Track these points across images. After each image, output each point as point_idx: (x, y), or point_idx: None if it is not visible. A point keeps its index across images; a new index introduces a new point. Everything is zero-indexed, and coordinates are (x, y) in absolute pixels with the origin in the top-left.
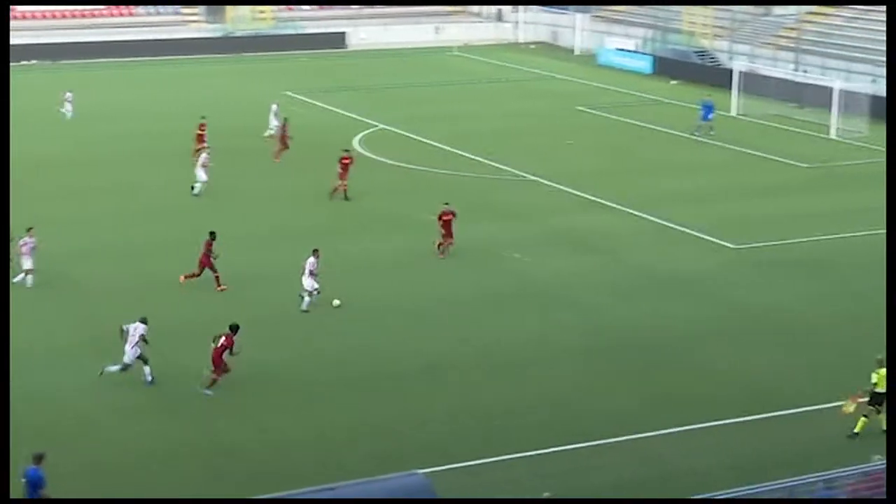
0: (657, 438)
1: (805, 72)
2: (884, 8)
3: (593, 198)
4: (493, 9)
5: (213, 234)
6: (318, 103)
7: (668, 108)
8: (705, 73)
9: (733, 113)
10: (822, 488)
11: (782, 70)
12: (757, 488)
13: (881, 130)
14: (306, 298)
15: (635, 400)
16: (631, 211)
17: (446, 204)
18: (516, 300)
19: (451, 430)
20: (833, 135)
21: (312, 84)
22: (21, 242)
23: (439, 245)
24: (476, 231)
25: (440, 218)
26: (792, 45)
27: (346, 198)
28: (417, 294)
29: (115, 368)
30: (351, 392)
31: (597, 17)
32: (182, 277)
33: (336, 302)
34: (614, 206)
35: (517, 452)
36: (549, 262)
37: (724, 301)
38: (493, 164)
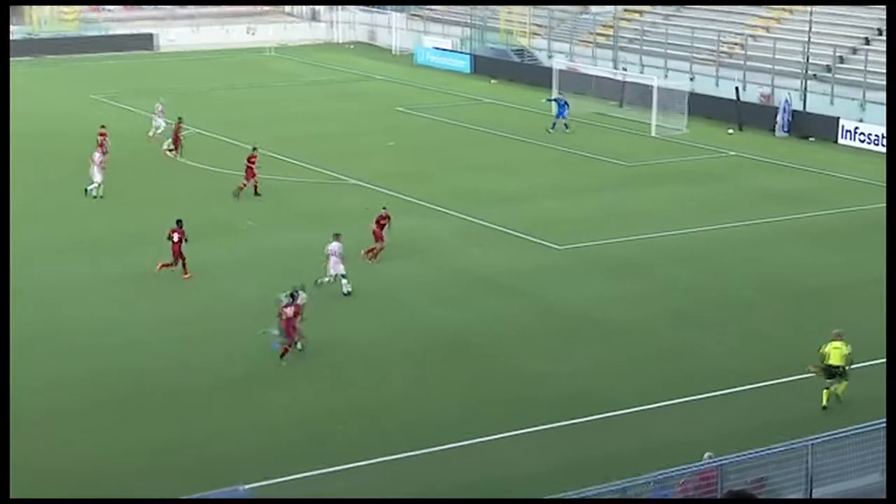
0: (481, 445)
1: (624, 70)
2: (699, 7)
3: (415, 200)
4: (306, 8)
5: (179, 221)
6: (126, 107)
7: (489, 108)
8: (525, 72)
9: (554, 112)
10: (655, 488)
11: (601, 68)
12: (590, 490)
13: (700, 127)
14: (343, 281)
15: (457, 406)
16: (454, 213)
17: (384, 208)
18: (337, 305)
19: (274, 441)
20: (653, 133)
21: (120, 87)
22: None
23: (369, 251)
24: (297, 237)
25: (377, 222)
26: (609, 42)
27: (257, 192)
28: (234, 301)
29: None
30: (166, 408)
31: (414, 15)
32: (158, 265)
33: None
34: (437, 208)
35: (337, 465)
36: (371, 266)
37: (547, 303)
38: (312, 167)
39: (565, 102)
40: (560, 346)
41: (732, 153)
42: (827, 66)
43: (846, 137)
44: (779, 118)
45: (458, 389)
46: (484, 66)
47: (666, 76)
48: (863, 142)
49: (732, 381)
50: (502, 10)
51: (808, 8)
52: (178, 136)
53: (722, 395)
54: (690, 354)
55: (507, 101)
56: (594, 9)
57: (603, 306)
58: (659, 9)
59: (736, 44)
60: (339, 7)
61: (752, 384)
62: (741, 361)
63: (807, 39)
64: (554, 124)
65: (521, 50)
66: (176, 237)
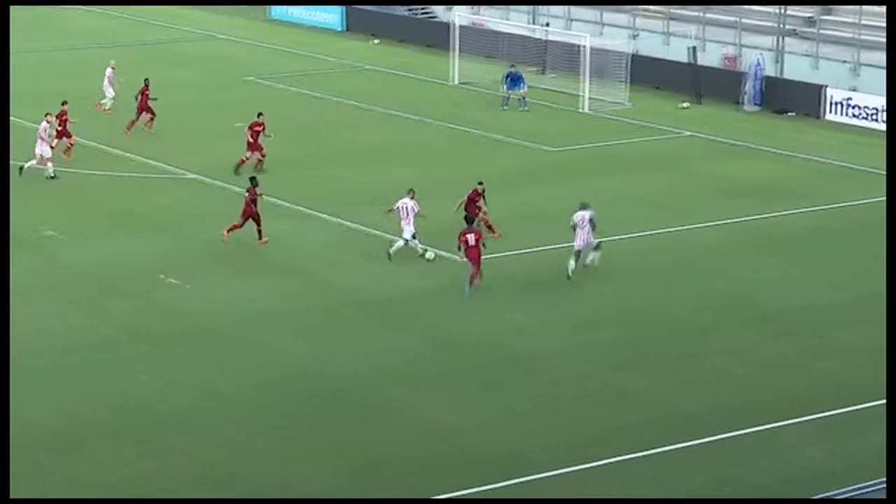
0: None
1: (546, 25)
2: None
3: (277, 200)
4: None
5: (253, 179)
6: None
7: (370, 77)
8: (416, 29)
9: (454, 81)
10: None
11: (516, 23)
12: None
13: (646, 100)
14: (414, 243)
15: (329, 471)
16: (322, 215)
17: (480, 183)
18: (172, 340)
19: None
20: (586, 108)
21: None
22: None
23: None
24: (121, 248)
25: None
26: None
27: (263, 169)
28: (42, 337)
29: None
30: None
31: None
32: (225, 232)
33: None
34: (300, 208)
35: None
36: (216, 287)
37: (450, 333)
38: (136, 157)
39: (519, 76)
40: (467, 391)
41: (688, 133)
42: (809, 18)
43: (834, 111)
44: (747, 87)
45: (337, 448)
46: (362, 21)
47: (601, 33)
48: (856, 116)
49: (683, 432)
50: None
51: None
52: (148, 104)
53: (671, 450)
54: (629, 399)
55: (395, 67)
56: None
57: (519, 337)
58: None
59: None
60: None
61: (708, 437)
62: (694, 407)
63: None
64: (506, 98)
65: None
66: (249, 196)
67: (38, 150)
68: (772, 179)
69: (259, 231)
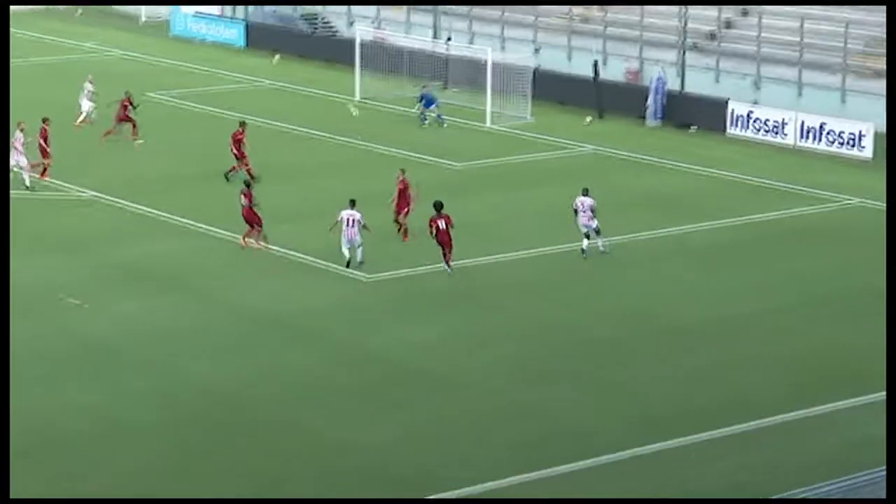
0: None
1: (448, 40)
2: None
3: (170, 217)
4: None
5: (248, 182)
6: None
7: (271, 94)
8: (318, 45)
9: (357, 97)
10: None
11: (418, 38)
12: None
13: (549, 115)
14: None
15: (230, 491)
16: (226, 233)
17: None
18: (72, 363)
19: None
20: (489, 123)
21: None
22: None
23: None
24: (20, 270)
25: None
26: (427, 5)
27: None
28: None
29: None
30: None
31: None
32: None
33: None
34: (199, 226)
35: None
36: (114, 307)
37: (352, 350)
38: (31, 175)
39: (432, 96)
40: (369, 408)
41: (591, 147)
42: (710, 32)
43: (737, 125)
44: (650, 101)
45: (238, 468)
46: (263, 37)
47: (503, 48)
48: (758, 131)
49: (591, 447)
50: None
51: None
52: (128, 115)
53: (584, 468)
54: (533, 415)
55: (296, 83)
56: None
57: (424, 353)
58: None
59: (593, 4)
60: None
61: (617, 451)
62: (601, 421)
63: None
64: (423, 116)
65: (314, 16)
66: (245, 201)
67: (14, 160)
68: (675, 193)
69: (247, 233)
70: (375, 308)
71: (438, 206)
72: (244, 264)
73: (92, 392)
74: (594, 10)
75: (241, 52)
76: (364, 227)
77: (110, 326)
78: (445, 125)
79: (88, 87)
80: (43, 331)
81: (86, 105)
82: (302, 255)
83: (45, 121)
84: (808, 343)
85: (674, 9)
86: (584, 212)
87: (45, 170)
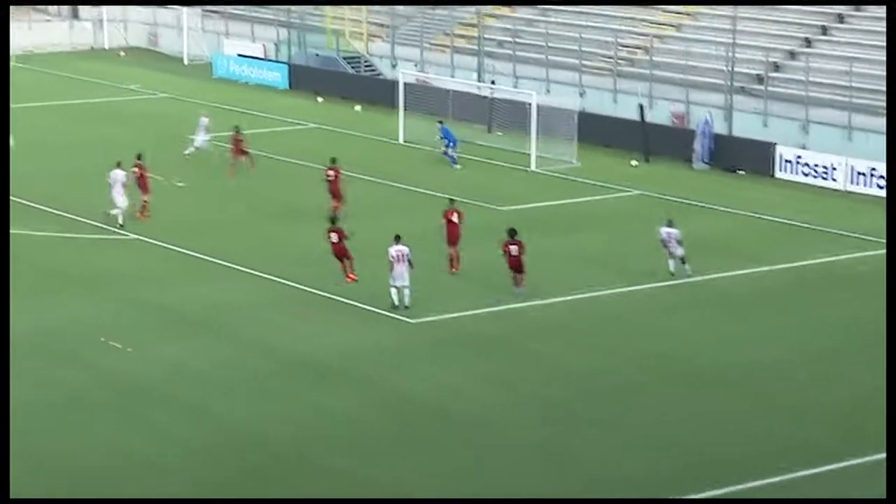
0: None
1: (492, 83)
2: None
3: (212, 259)
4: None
5: (334, 220)
6: None
7: (315, 135)
8: (361, 87)
9: (399, 139)
10: None
11: (462, 81)
12: None
13: (594, 158)
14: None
15: None
16: (265, 275)
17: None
18: (112, 407)
19: None
20: (533, 166)
21: None
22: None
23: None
24: (61, 310)
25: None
26: (473, 46)
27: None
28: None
29: None
30: None
31: (210, 12)
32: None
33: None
34: (241, 268)
35: None
36: (160, 350)
37: (395, 394)
38: (73, 217)
39: (448, 132)
40: (401, 449)
41: (637, 192)
42: (758, 75)
43: (785, 170)
44: (697, 145)
45: None
46: (306, 79)
47: (548, 91)
48: (806, 175)
49: (619, 493)
50: (329, 5)
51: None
52: (242, 148)
53: None
54: (560, 461)
55: (339, 125)
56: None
57: (457, 397)
58: (529, 9)
59: (638, 47)
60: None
61: (645, 494)
62: (632, 468)
63: (731, 40)
64: (450, 157)
65: (357, 57)
66: (335, 237)
67: (116, 199)
68: (720, 237)
69: (343, 268)
70: (415, 351)
71: (512, 233)
72: (282, 304)
73: (127, 436)
74: (639, 53)
75: (284, 94)
76: (409, 263)
77: (153, 370)
78: (458, 167)
79: (204, 120)
80: (76, 375)
81: (199, 140)
82: (340, 298)
83: (139, 158)
84: (849, 390)
85: (721, 51)
86: (670, 242)
87: (144, 208)
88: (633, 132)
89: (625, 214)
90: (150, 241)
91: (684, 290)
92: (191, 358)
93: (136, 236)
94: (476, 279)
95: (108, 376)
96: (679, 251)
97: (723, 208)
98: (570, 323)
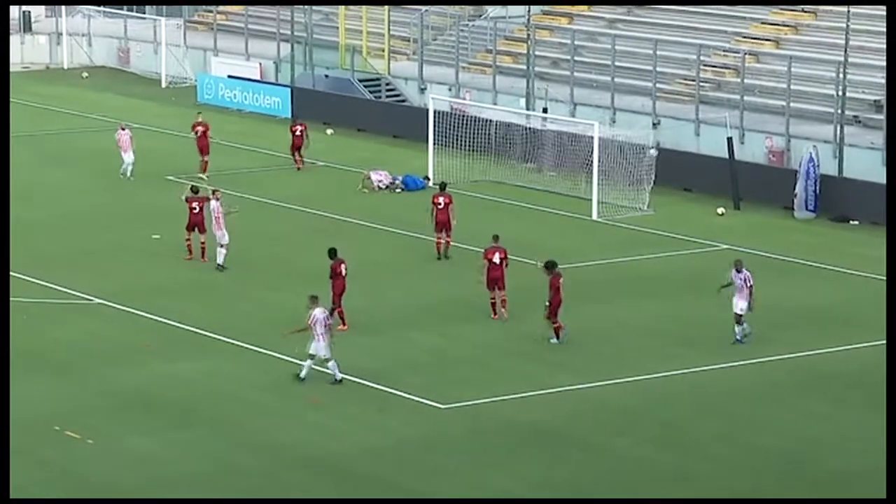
0: None
1: (545, 110)
2: (665, 6)
3: (195, 329)
4: (14, 15)
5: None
6: None
7: (322, 176)
8: (381, 115)
9: (429, 181)
10: None
11: (507, 108)
12: None
13: (672, 204)
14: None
15: None
16: (264, 350)
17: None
18: None
19: None
20: (595, 215)
21: None
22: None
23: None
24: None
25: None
26: (520, 66)
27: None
28: None
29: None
30: None
31: (194, 22)
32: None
33: None
34: (226, 339)
35: None
36: (126, 442)
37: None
38: (26, 278)
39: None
40: None
41: (724, 246)
42: (875, 102)
43: None
44: (799, 188)
45: None
46: (312, 105)
47: (613, 121)
48: None
49: None
50: (343, 16)
51: (844, 8)
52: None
53: None
54: None
55: (354, 163)
56: (493, 9)
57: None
58: (602, 9)
59: (727, 67)
60: (65, 9)
61: None
62: None
63: (842, 59)
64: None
65: (376, 79)
66: (343, 269)
67: (219, 234)
68: (827, 304)
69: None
70: (452, 446)
71: (551, 266)
72: (282, 390)
73: None
74: (728, 74)
75: (284, 123)
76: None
77: (118, 468)
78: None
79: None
80: (35, 474)
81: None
82: (357, 378)
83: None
84: None
85: (829, 74)
86: (742, 290)
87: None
88: (719, 172)
89: (708, 275)
90: (115, 305)
91: (780, 368)
92: (169, 454)
93: (100, 301)
94: (522, 354)
95: (60, 475)
96: (746, 303)
97: (831, 267)
98: (643, 412)
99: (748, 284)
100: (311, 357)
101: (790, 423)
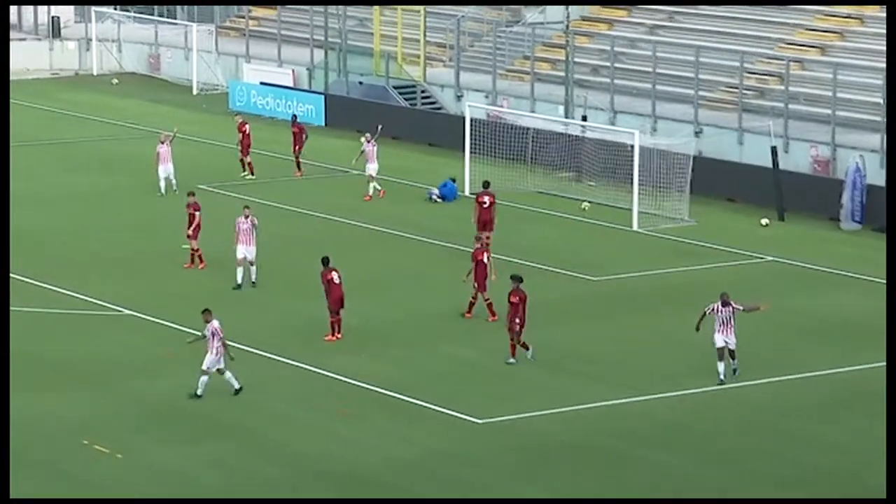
0: None
1: (584, 118)
2: (707, 9)
3: (231, 342)
4: (43, 20)
5: (326, 260)
6: None
7: (357, 185)
8: (417, 123)
9: (465, 191)
10: None
11: (545, 116)
12: None
13: (714, 214)
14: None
15: None
16: (290, 361)
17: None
18: None
19: None
20: (636, 225)
21: None
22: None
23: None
24: (36, 407)
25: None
26: (559, 73)
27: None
28: None
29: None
30: None
31: (226, 28)
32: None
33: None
34: (254, 350)
35: None
36: (154, 456)
37: None
38: (54, 288)
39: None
40: None
41: (769, 258)
42: None
43: None
44: (846, 199)
45: None
46: (346, 113)
47: (654, 129)
48: None
49: None
50: (377, 21)
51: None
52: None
53: None
54: None
55: (393, 173)
56: (531, 15)
57: None
58: (643, 14)
59: (771, 75)
60: (94, 14)
61: None
62: None
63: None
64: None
65: (412, 87)
66: (336, 278)
67: (246, 252)
68: (874, 319)
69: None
70: (485, 462)
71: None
72: (317, 402)
73: None
74: (772, 82)
75: (318, 131)
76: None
77: (144, 477)
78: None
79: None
80: (59, 486)
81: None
82: (385, 391)
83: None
84: None
85: (876, 82)
86: (728, 324)
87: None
88: (763, 182)
89: (752, 287)
90: (148, 318)
91: (824, 384)
92: (196, 468)
93: (130, 312)
94: (557, 368)
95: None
96: (732, 338)
97: (877, 279)
98: (684, 428)
99: (735, 315)
100: (205, 373)
101: (838, 440)
